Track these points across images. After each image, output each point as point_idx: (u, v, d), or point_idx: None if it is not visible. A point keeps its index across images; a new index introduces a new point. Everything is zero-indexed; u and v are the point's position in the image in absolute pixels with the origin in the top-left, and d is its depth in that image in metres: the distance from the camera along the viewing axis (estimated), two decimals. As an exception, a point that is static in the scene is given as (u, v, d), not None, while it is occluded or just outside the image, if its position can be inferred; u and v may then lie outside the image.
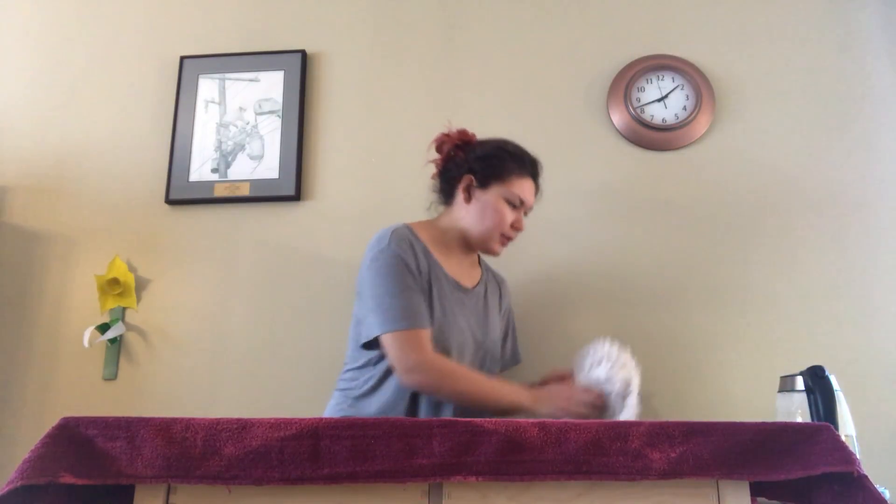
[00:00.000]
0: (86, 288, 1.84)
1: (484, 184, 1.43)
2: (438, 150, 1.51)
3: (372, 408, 1.32)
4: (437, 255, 1.41)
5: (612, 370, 1.29)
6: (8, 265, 1.88)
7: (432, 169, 1.53)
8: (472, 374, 1.33)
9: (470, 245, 1.47)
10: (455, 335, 1.36)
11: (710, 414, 1.61)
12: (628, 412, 1.24)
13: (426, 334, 1.30)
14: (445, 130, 1.50)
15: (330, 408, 1.41)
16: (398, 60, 1.95)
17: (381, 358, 1.33)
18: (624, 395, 1.27)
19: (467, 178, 1.44)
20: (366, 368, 1.36)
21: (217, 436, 0.85)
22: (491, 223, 1.42)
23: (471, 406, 1.29)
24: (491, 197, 1.42)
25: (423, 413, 1.32)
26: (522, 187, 1.43)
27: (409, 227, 1.40)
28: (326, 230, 1.84)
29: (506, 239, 1.45)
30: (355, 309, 1.42)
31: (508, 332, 1.58)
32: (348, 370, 1.41)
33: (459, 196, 1.45)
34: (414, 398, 1.32)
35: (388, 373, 1.32)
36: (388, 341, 1.29)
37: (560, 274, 1.76)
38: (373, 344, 1.33)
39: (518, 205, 1.43)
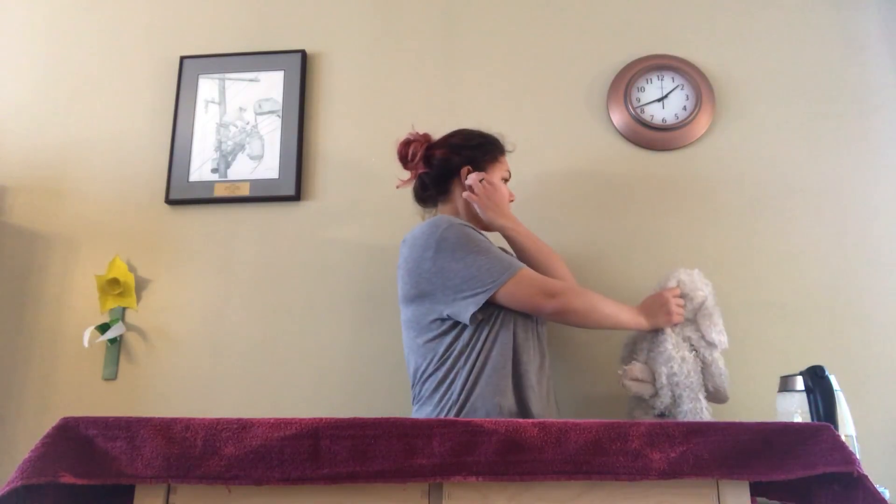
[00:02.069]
0: (86, 288, 1.84)
1: (481, 169, 1.52)
2: (413, 156, 1.53)
3: (491, 376, 1.31)
4: None
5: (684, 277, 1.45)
6: (8, 265, 1.88)
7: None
8: (596, 293, 1.40)
9: (482, 227, 1.51)
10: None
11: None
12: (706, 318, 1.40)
13: (531, 270, 1.38)
14: (408, 136, 1.54)
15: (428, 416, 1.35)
16: (398, 60, 1.95)
17: (479, 326, 1.34)
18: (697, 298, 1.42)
19: (465, 170, 1.51)
20: (464, 351, 1.33)
21: (217, 436, 0.85)
22: (499, 200, 1.49)
23: (595, 327, 1.43)
24: (493, 180, 1.51)
25: (526, 355, 1.36)
26: (505, 164, 1.56)
27: None
28: (326, 230, 1.84)
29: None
30: (410, 313, 1.40)
31: None
32: (430, 374, 1.36)
33: (457, 189, 1.52)
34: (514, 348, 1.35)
35: (489, 338, 1.34)
36: (512, 287, 1.32)
37: (560, 274, 1.76)
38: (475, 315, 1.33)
39: (508, 179, 1.56)
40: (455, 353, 1.34)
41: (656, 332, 1.42)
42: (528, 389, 1.33)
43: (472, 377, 1.31)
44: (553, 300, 1.33)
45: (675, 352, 1.37)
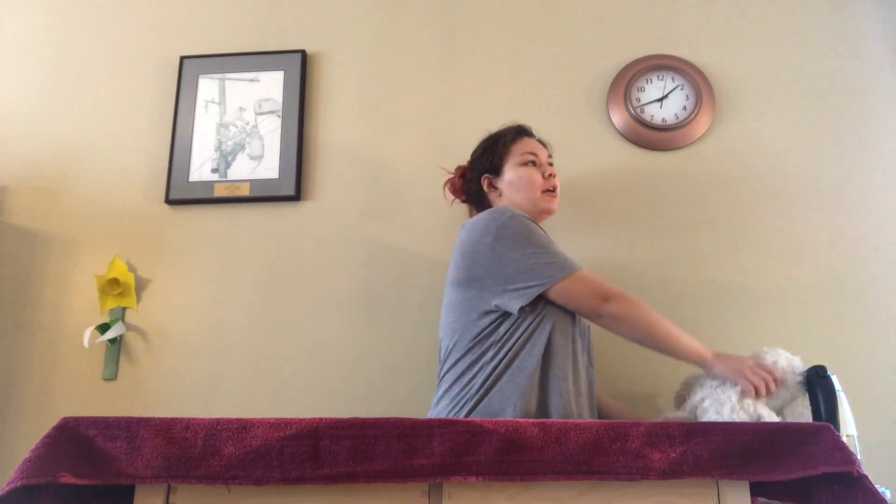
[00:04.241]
0: (86, 288, 1.84)
1: (497, 171, 1.52)
2: (454, 191, 1.63)
3: (515, 375, 1.27)
4: None
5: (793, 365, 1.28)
6: (8, 265, 1.88)
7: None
8: (655, 311, 1.31)
9: (534, 216, 1.48)
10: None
11: (710, 414, 1.61)
12: (797, 410, 1.23)
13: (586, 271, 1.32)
14: (447, 177, 1.64)
15: (442, 411, 1.32)
16: (398, 60, 1.95)
17: (515, 322, 1.30)
18: (801, 392, 1.25)
19: (485, 180, 1.53)
20: (494, 345, 1.31)
21: (217, 436, 0.85)
22: (526, 188, 1.48)
23: (651, 343, 1.30)
24: (509, 173, 1.50)
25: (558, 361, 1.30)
26: (525, 146, 1.51)
27: None
28: (326, 230, 1.84)
29: (550, 192, 1.50)
30: (455, 297, 1.38)
31: None
32: (456, 362, 1.34)
33: (491, 197, 1.54)
34: (546, 355, 1.30)
35: (522, 336, 1.30)
36: (567, 285, 1.29)
37: (560, 274, 1.76)
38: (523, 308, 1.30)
39: (534, 160, 1.50)
40: (485, 346, 1.31)
41: (721, 384, 1.27)
42: (553, 395, 1.27)
43: (495, 373, 1.28)
44: (608, 304, 1.28)
45: (729, 413, 1.21)
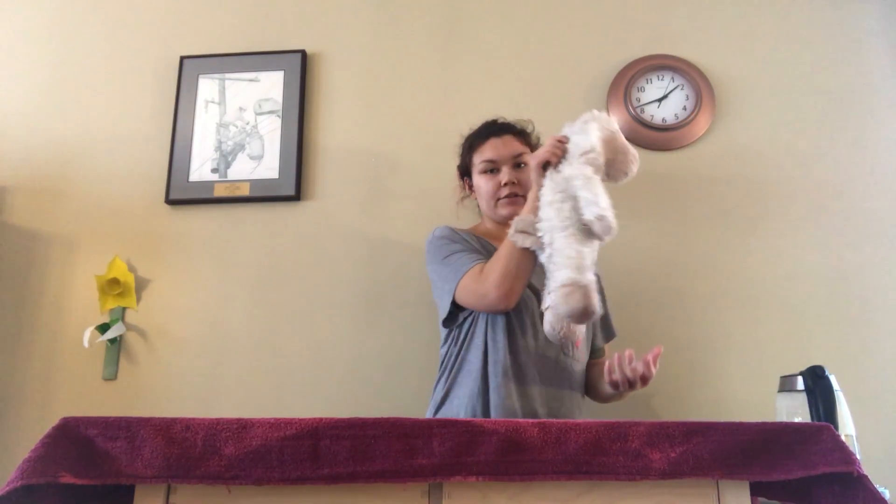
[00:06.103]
0: (86, 288, 1.84)
1: (467, 175, 1.56)
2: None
3: (465, 378, 1.36)
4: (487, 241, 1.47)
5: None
6: (8, 265, 1.88)
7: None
8: (498, 253, 1.29)
9: (499, 223, 1.49)
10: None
11: (710, 414, 1.61)
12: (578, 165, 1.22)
13: (479, 266, 1.32)
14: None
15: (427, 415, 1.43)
16: (398, 60, 1.95)
17: (458, 329, 1.40)
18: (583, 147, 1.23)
19: (465, 182, 1.58)
20: (449, 351, 1.42)
21: (217, 436, 0.85)
22: (485, 197, 1.48)
23: (518, 267, 1.27)
24: (475, 179, 1.52)
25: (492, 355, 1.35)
26: (484, 151, 1.48)
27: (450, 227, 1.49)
28: (326, 230, 1.84)
29: (503, 200, 1.44)
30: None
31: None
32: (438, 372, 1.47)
33: (474, 198, 1.58)
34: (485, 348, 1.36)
35: (465, 342, 1.38)
36: (459, 295, 1.34)
37: (560, 274, 1.76)
38: (452, 319, 1.40)
39: (492, 167, 1.46)
40: (443, 355, 1.43)
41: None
42: (493, 393, 1.31)
43: (449, 379, 1.38)
44: (484, 300, 1.29)
45: (550, 195, 1.22)
